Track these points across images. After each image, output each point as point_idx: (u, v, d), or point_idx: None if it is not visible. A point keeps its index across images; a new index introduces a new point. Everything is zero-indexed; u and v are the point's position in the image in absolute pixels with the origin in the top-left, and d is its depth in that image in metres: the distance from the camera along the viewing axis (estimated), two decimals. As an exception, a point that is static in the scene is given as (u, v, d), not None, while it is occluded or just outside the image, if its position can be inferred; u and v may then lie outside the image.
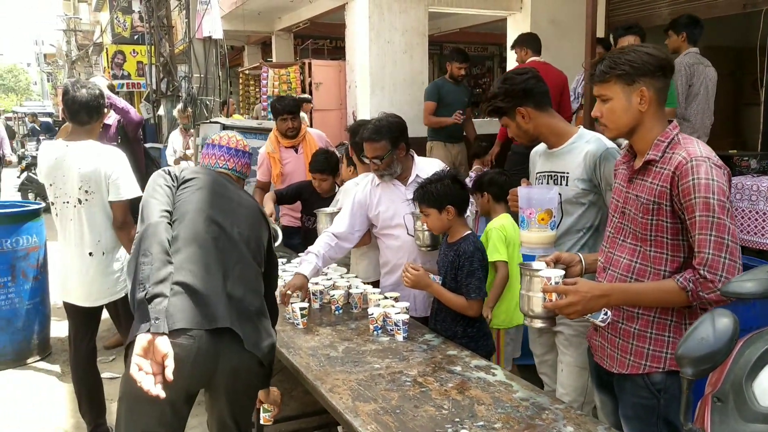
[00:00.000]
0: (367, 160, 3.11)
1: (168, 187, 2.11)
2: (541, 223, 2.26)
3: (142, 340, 1.72)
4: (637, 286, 1.79)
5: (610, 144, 2.33)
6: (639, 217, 1.81)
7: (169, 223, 2.00)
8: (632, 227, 1.84)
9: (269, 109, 12.79)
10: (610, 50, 2.49)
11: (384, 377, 2.24)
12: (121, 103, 4.22)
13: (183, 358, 1.79)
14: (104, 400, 3.31)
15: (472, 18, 12.61)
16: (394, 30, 6.24)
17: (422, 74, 6.46)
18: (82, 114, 3.03)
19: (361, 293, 3.01)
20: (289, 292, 2.92)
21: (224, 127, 5.01)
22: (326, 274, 3.38)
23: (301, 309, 2.78)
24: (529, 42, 5.46)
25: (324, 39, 16.00)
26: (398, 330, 2.62)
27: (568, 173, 2.38)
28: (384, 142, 2.99)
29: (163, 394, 1.69)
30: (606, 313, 1.76)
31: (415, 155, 3.19)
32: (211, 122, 5.32)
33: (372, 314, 2.69)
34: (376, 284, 3.28)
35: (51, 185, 3.05)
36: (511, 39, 13.63)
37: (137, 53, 20.42)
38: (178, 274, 1.90)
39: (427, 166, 3.14)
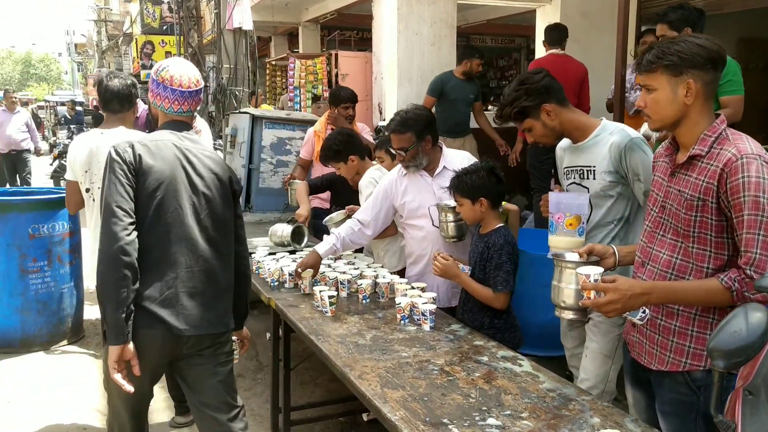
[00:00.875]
0: (393, 151, 3.15)
1: (129, 185, 2.12)
2: (569, 228, 2.28)
3: (113, 352, 2.06)
4: (679, 284, 1.77)
5: (635, 134, 2.32)
6: (681, 212, 1.78)
7: (134, 228, 2.10)
8: (673, 222, 1.81)
9: (296, 100, 12.90)
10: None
11: (411, 365, 2.27)
12: None
13: (151, 346, 2.18)
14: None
15: (500, 9, 12.53)
16: (422, 21, 6.23)
17: (450, 66, 6.42)
18: (114, 103, 3.10)
19: (388, 283, 3.04)
20: (299, 269, 3.09)
21: (254, 118, 5.07)
22: (354, 264, 3.43)
23: (330, 297, 2.82)
24: (547, 34, 5.39)
25: (351, 30, 16.03)
26: (425, 320, 2.64)
27: (594, 167, 2.38)
28: (409, 134, 3.02)
29: (131, 389, 2.10)
30: (644, 311, 1.74)
31: (444, 147, 3.20)
32: (240, 112, 5.37)
33: (399, 303, 2.72)
34: (401, 274, 3.32)
35: (86, 172, 3.13)
36: (540, 31, 13.49)
37: (166, 44, 20.67)
38: (154, 288, 2.14)
39: (455, 158, 3.16)
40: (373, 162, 3.80)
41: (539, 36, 14.21)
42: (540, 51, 14.44)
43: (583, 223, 2.27)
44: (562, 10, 6.75)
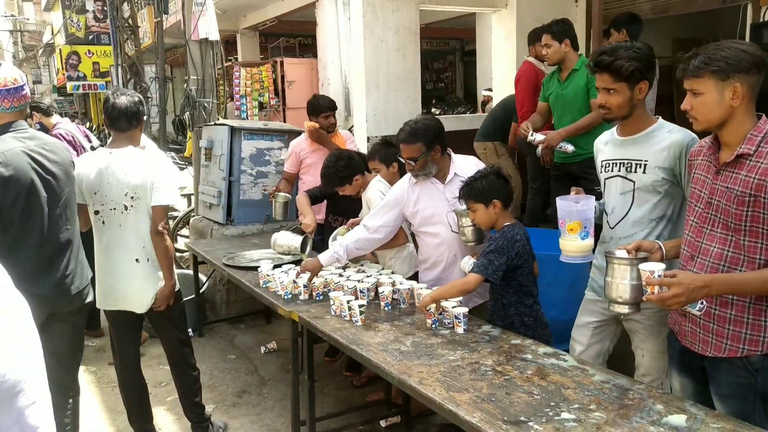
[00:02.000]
0: (402, 160, 3.20)
1: None
2: (570, 233, 2.37)
3: None
4: (738, 276, 1.89)
5: (694, 134, 2.44)
6: (732, 208, 1.90)
7: None
8: (723, 217, 1.94)
9: (242, 108, 12.70)
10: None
11: (464, 368, 2.33)
12: None
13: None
14: (150, 405, 3.31)
15: (439, 14, 12.78)
16: (387, 29, 6.30)
17: (414, 72, 6.54)
18: (122, 121, 3.02)
19: (408, 289, 3.10)
20: (298, 269, 3.28)
21: (233, 129, 5.01)
22: (365, 272, 3.46)
23: (360, 306, 2.84)
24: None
25: (293, 37, 15.94)
26: (458, 323, 2.71)
27: (647, 161, 2.45)
28: (419, 144, 3.08)
29: None
30: (702, 303, 1.87)
31: (452, 153, 3.28)
32: (217, 124, 5.28)
33: (430, 308, 2.78)
34: (413, 279, 3.38)
35: (96, 193, 3.03)
36: (483, 34, 13.76)
37: (93, 54, 19.87)
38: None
39: (464, 164, 3.24)
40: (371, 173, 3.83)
41: (481, 38, 14.53)
42: (483, 51, 14.57)
43: (585, 227, 2.36)
44: (518, 15, 6.97)
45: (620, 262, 2.09)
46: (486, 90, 13.29)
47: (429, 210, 3.20)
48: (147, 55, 13.04)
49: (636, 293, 2.10)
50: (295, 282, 3.26)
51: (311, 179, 4.53)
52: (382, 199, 3.40)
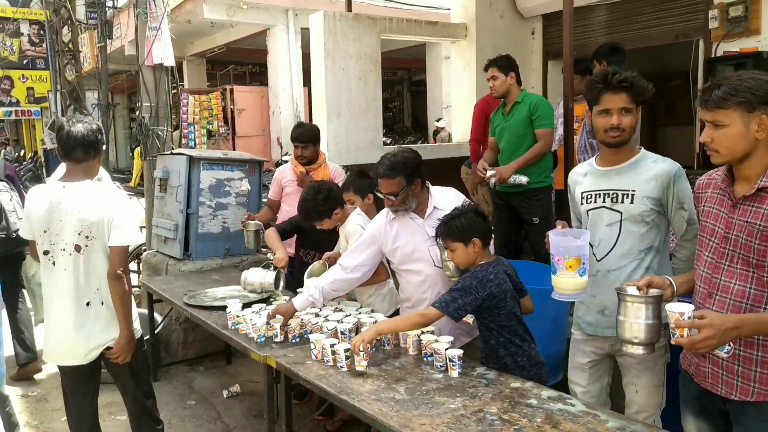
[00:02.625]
0: (381, 195, 3.03)
1: None
2: (569, 270, 2.25)
3: None
4: None
5: (678, 164, 2.40)
6: (755, 243, 1.83)
7: None
8: (743, 253, 1.86)
9: (190, 136, 12.33)
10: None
11: (468, 417, 2.16)
12: None
13: None
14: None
15: (393, 43, 12.87)
16: (348, 57, 6.20)
17: (376, 101, 6.46)
18: (78, 150, 2.75)
19: (393, 329, 2.91)
20: (269, 313, 3.05)
21: (191, 159, 4.74)
22: (342, 311, 3.26)
23: (346, 351, 2.64)
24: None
25: (243, 65, 15.71)
26: (453, 366, 2.55)
27: (634, 191, 2.40)
28: (399, 179, 2.93)
29: None
30: (730, 345, 1.77)
31: (431, 186, 3.14)
32: (173, 154, 4.99)
33: (422, 340, 2.70)
34: (392, 317, 3.21)
35: (45, 231, 2.73)
36: (433, 64, 13.93)
37: (27, 78, 19.09)
38: None
39: (443, 197, 3.10)
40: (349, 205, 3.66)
41: (431, 68, 14.66)
42: (434, 80, 14.78)
43: (583, 263, 2.26)
44: (477, 45, 7.01)
45: (635, 300, 1.98)
46: (437, 120, 13.39)
47: (409, 246, 3.03)
48: (88, 80, 12.53)
49: (652, 333, 1.99)
50: (269, 324, 3.04)
51: (288, 209, 4.31)
52: (362, 232, 3.22)
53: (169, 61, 5.44)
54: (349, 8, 6.75)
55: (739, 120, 1.82)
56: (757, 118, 1.81)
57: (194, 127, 11.75)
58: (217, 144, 12.40)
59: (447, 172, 5.46)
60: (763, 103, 1.80)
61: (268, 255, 4.17)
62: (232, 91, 12.28)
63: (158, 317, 4.76)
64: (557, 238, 2.31)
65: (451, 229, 2.71)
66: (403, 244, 3.04)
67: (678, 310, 1.77)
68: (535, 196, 4.35)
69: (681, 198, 2.40)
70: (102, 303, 2.81)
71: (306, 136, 4.29)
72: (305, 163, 4.35)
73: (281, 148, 12.02)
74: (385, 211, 3.12)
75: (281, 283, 3.59)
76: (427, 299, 3.04)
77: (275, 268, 3.59)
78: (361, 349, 2.53)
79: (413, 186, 2.96)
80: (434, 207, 3.04)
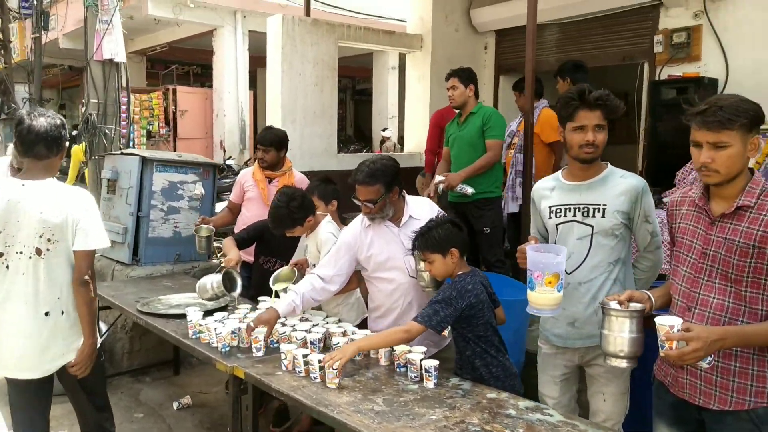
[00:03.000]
0: (358, 202, 3.00)
1: None
2: (548, 286, 2.27)
3: None
4: (750, 328, 1.87)
5: (644, 180, 2.49)
6: (734, 259, 1.89)
7: None
8: (722, 268, 1.93)
9: (129, 136, 11.92)
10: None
11: (452, 429, 2.14)
12: None
13: None
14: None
15: (339, 50, 12.84)
16: (306, 62, 6.13)
17: (332, 107, 6.41)
18: (40, 146, 2.58)
19: (364, 339, 2.88)
20: (252, 323, 2.89)
21: (144, 160, 4.55)
22: (309, 320, 3.20)
23: (320, 361, 2.58)
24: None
25: (185, 65, 15.28)
26: (429, 376, 2.53)
27: (605, 205, 2.47)
28: (378, 186, 2.91)
29: None
30: (711, 356, 1.83)
31: (407, 195, 3.13)
32: (124, 154, 4.78)
33: (395, 351, 2.67)
34: (361, 327, 3.17)
35: (1, 232, 2.55)
36: (380, 74, 13.96)
37: (-54, 70, 18.00)
38: None
39: (418, 206, 3.10)
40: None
41: (378, 77, 14.68)
42: (380, 89, 14.83)
43: (561, 279, 2.29)
44: (432, 57, 7.07)
45: (619, 315, 2.03)
46: (383, 130, 13.44)
47: (383, 255, 3.01)
48: (17, 72, 11.90)
49: (636, 347, 2.04)
50: (255, 337, 2.88)
51: (248, 214, 4.18)
52: (335, 240, 3.17)
53: (121, 57, 5.23)
54: (307, 13, 6.68)
55: (740, 140, 1.87)
56: (752, 139, 1.89)
57: (134, 127, 11.32)
58: (157, 145, 12.00)
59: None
60: (756, 125, 1.88)
61: (221, 259, 4.03)
62: (175, 91, 11.91)
63: (102, 326, 4.53)
64: (537, 255, 2.31)
65: (429, 241, 2.70)
66: (377, 252, 3.01)
67: (668, 323, 1.82)
68: (486, 206, 4.43)
69: (647, 211, 2.49)
70: (62, 312, 2.64)
71: (268, 140, 4.19)
72: (266, 167, 4.25)
73: (224, 151, 11.74)
74: (359, 218, 3.09)
75: (238, 287, 3.47)
76: (398, 308, 3.02)
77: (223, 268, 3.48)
78: (335, 367, 2.46)
79: (391, 194, 2.95)
80: (410, 216, 3.02)
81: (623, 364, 2.05)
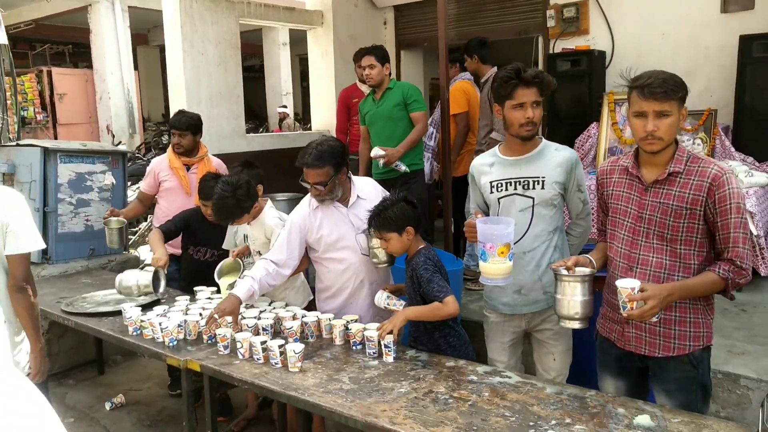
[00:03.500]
0: (307, 185, 3.00)
1: None
2: (500, 257, 2.40)
3: None
4: (690, 282, 2.09)
5: (575, 151, 2.68)
6: (669, 221, 2.11)
7: None
8: (658, 229, 2.14)
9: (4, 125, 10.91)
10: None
11: (423, 399, 2.25)
12: None
13: None
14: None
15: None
16: (207, 42, 5.91)
17: (237, 88, 6.23)
18: None
19: (316, 321, 2.92)
20: (216, 315, 2.84)
21: (46, 151, 4.23)
22: (254, 306, 3.18)
23: (280, 347, 2.59)
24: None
25: (57, 44, 14.08)
26: (389, 351, 2.62)
27: (544, 177, 2.62)
28: (328, 168, 2.92)
29: None
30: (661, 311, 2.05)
31: (352, 176, 3.16)
32: (23, 145, 4.40)
33: (350, 329, 2.76)
34: (309, 309, 3.20)
35: None
36: (271, 50, 13.62)
37: None
38: None
39: (365, 186, 3.15)
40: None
41: (269, 54, 14.32)
42: (272, 67, 14.49)
43: (512, 249, 2.44)
44: (334, 33, 7.04)
45: (571, 279, 2.20)
46: (280, 107, 13.20)
47: (333, 235, 3.04)
48: None
49: (588, 308, 2.23)
50: (234, 336, 2.77)
51: (167, 205, 4.02)
52: (283, 225, 3.15)
53: (2, 39, 4.79)
54: (203, -11, 6.40)
55: (677, 110, 2.07)
56: (683, 109, 2.10)
57: (6, 114, 10.36)
58: (34, 133, 11.09)
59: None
60: (685, 97, 2.09)
61: (139, 253, 3.88)
62: (50, 73, 10.99)
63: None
64: (487, 227, 2.43)
65: (385, 220, 2.77)
66: (327, 233, 3.03)
67: (629, 286, 2.00)
68: (411, 179, 4.54)
69: (579, 181, 2.69)
70: (5, 321, 2.47)
71: (184, 124, 4.04)
72: (182, 152, 4.10)
73: (113, 137, 11.06)
74: (307, 200, 3.09)
75: (162, 285, 3.39)
76: (349, 287, 3.07)
77: (150, 267, 3.38)
78: (392, 340, 2.54)
79: (340, 175, 2.97)
80: (357, 196, 3.06)
81: (576, 325, 2.24)
